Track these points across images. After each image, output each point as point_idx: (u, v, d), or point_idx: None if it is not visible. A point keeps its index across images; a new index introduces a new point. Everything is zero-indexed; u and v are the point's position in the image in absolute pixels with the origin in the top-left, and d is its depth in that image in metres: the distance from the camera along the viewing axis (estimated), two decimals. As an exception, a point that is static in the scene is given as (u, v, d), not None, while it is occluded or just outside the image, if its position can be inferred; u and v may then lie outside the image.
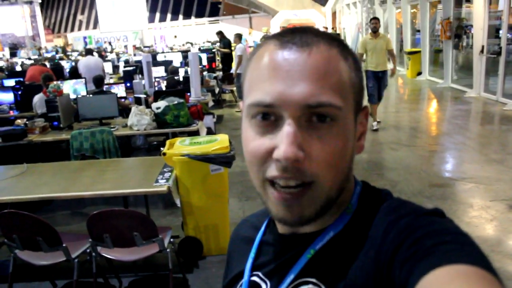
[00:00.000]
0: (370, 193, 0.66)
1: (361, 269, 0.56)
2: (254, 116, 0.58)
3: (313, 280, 0.61)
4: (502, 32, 8.89)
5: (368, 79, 7.09)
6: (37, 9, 29.03)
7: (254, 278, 0.69)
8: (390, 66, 7.38)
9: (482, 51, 9.20)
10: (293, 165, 0.55)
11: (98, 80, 6.08)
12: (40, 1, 29.88)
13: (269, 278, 0.67)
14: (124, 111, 5.86)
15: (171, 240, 2.99)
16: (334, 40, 0.60)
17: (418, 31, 13.54)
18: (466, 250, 0.48)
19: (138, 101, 6.01)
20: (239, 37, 9.60)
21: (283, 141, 0.55)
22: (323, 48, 0.57)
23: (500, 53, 8.75)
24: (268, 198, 0.59)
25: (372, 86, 7.10)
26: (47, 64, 11.23)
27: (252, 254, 0.72)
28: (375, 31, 7.06)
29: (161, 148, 3.50)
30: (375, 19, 7.20)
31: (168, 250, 2.86)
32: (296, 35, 0.58)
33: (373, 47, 7.02)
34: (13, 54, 22.52)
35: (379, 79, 7.15)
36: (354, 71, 0.61)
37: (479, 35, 9.25)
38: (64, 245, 2.74)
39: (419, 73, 12.95)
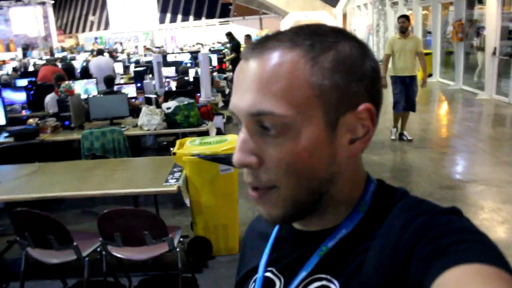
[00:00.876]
0: (385, 191, 0.65)
1: (376, 267, 0.56)
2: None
3: (327, 276, 0.61)
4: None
5: (394, 85, 6.32)
6: (50, 10, 29.26)
7: (268, 274, 0.69)
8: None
9: (494, 53, 9.12)
10: (250, 170, 0.58)
11: (109, 80, 6.13)
12: (53, 2, 30.16)
13: (282, 274, 0.67)
14: (135, 111, 5.90)
15: (181, 239, 3.00)
16: (308, 38, 0.57)
17: (429, 32, 13.45)
18: (483, 249, 0.48)
19: (148, 101, 6.05)
20: (249, 38, 9.58)
21: (235, 148, 0.58)
22: (276, 54, 0.56)
23: (512, 55, 8.67)
24: None
25: (398, 93, 6.30)
26: (59, 64, 11.34)
27: (267, 250, 0.72)
28: (403, 31, 6.22)
29: (171, 148, 3.52)
30: (403, 17, 6.34)
31: (177, 249, 2.88)
32: (257, 45, 0.59)
33: (401, 48, 6.18)
34: (24, 55, 22.77)
35: (407, 85, 6.30)
36: (329, 72, 0.57)
37: (491, 36, 9.18)
38: (75, 243, 2.76)
39: (430, 75, 12.85)
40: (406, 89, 6.30)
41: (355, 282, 0.57)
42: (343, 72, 0.57)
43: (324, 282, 0.61)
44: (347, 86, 0.57)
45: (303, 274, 0.63)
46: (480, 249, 0.47)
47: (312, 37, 0.57)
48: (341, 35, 0.60)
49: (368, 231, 0.60)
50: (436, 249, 0.49)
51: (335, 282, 0.60)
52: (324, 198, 0.61)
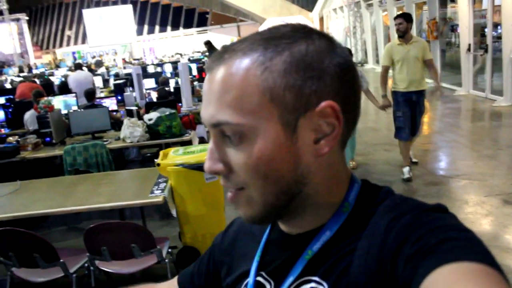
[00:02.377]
0: (369, 191, 0.65)
1: (363, 267, 0.56)
2: None
3: (316, 278, 0.61)
4: (487, 30, 9.00)
5: (397, 105, 4.94)
6: (25, 26, 28.93)
7: (259, 278, 0.69)
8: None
9: (469, 49, 9.30)
10: (221, 175, 0.62)
11: (90, 94, 6.07)
12: (27, 18, 29.81)
13: (272, 278, 0.67)
14: (117, 124, 5.86)
15: (169, 250, 2.98)
16: (263, 43, 0.58)
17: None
18: (470, 247, 0.48)
19: (130, 114, 6.00)
20: (210, 44, 9.42)
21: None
22: (228, 65, 0.57)
23: (486, 51, 8.85)
24: None
25: (401, 116, 4.90)
26: (37, 80, 11.20)
27: (258, 254, 0.71)
28: (402, 35, 4.82)
29: (155, 160, 3.50)
30: (400, 18, 4.84)
31: (166, 260, 2.86)
32: (215, 57, 0.60)
33: (403, 56, 4.81)
34: (0, 72, 22.43)
35: (413, 104, 4.90)
36: (282, 74, 0.56)
37: (465, 33, 9.37)
38: (61, 260, 2.72)
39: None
40: (412, 109, 4.92)
41: (344, 283, 0.57)
42: (297, 72, 0.56)
43: (313, 285, 0.61)
44: (303, 86, 0.57)
45: (290, 278, 0.63)
46: (467, 247, 0.48)
47: (266, 41, 0.58)
48: (300, 34, 0.59)
49: (353, 232, 0.60)
50: (423, 248, 0.49)
51: (324, 284, 0.60)
52: (297, 199, 0.61)
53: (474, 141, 6.30)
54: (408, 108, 4.89)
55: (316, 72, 0.57)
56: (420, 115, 5.02)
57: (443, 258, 0.46)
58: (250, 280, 0.70)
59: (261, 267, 0.70)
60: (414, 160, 5.36)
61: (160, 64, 13.88)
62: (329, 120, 0.58)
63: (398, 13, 6.39)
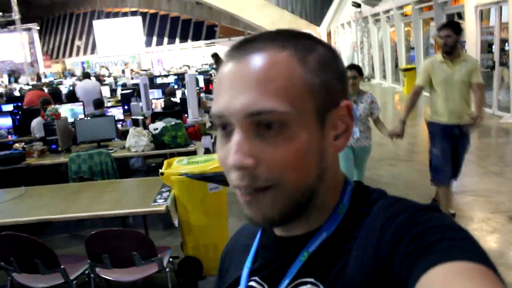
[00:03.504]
0: (362, 192, 0.66)
1: (360, 267, 0.56)
2: (217, 126, 0.61)
3: (312, 280, 0.60)
4: (495, 47, 9.01)
5: (434, 141, 4.00)
6: (36, 36, 29.33)
7: (252, 283, 0.68)
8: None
9: (476, 66, 9.28)
10: (246, 172, 0.57)
11: (99, 103, 6.12)
12: (39, 28, 30.20)
13: (266, 282, 0.67)
14: (122, 134, 5.89)
15: (170, 259, 2.97)
16: (291, 39, 0.60)
17: (413, 48, 13.69)
18: (466, 246, 0.48)
19: (135, 123, 6.03)
20: (217, 57, 9.50)
21: (231, 150, 0.57)
22: (269, 53, 0.57)
23: (493, 67, 8.84)
24: (239, 199, 0.61)
25: (440, 155, 3.93)
26: (45, 89, 11.30)
27: (249, 260, 0.71)
28: (449, 52, 3.77)
29: (159, 170, 3.50)
30: (448, 28, 3.74)
31: (167, 270, 2.84)
32: (242, 46, 0.60)
33: (447, 79, 3.79)
34: (10, 81, 22.69)
35: (456, 139, 3.94)
36: (316, 71, 0.59)
37: (472, 50, 9.37)
38: (62, 267, 2.72)
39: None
40: (454, 145, 3.94)
41: (340, 283, 0.57)
42: (326, 71, 0.60)
43: (308, 286, 0.60)
44: (331, 84, 0.60)
45: (286, 281, 0.63)
46: (463, 246, 0.48)
47: (293, 39, 0.60)
48: (313, 38, 0.62)
49: (349, 232, 0.61)
50: (419, 247, 0.49)
51: (320, 285, 0.59)
52: (314, 196, 0.61)
53: (480, 157, 6.26)
54: (449, 144, 3.88)
55: (337, 74, 0.62)
56: (463, 152, 4.02)
57: (439, 258, 0.46)
58: (242, 284, 0.69)
59: (254, 272, 0.69)
60: (452, 211, 4.21)
61: (167, 75, 13.97)
62: (345, 119, 0.62)
63: (443, 22, 5.75)
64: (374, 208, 0.60)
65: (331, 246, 0.61)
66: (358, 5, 17.04)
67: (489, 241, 3.73)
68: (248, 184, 0.57)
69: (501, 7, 8.64)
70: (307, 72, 0.58)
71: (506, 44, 8.82)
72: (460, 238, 0.49)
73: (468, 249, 0.47)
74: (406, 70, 13.29)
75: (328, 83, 0.60)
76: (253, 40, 0.60)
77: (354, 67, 4.02)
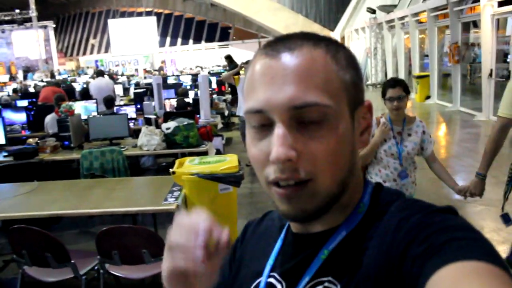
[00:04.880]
0: (382, 193, 0.67)
1: (373, 265, 0.56)
2: (251, 123, 0.61)
3: (330, 279, 0.61)
4: (511, 56, 8.92)
5: None
6: (51, 33, 29.63)
7: (270, 280, 0.69)
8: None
9: (490, 75, 9.22)
10: (288, 165, 0.57)
11: (109, 101, 6.16)
12: (54, 26, 30.53)
13: (285, 279, 0.67)
14: (134, 132, 5.92)
15: (179, 258, 2.98)
16: (322, 40, 0.62)
17: (427, 55, 13.62)
18: (478, 246, 0.48)
19: (148, 122, 6.07)
20: (231, 59, 9.65)
21: (274, 144, 0.57)
22: (306, 50, 0.59)
23: (508, 77, 8.76)
24: (274, 196, 0.61)
25: None
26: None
27: (273, 256, 0.71)
28: None
29: (170, 169, 3.52)
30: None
31: (176, 268, 2.85)
32: (279, 42, 0.61)
33: None
34: (25, 77, 22.95)
35: None
36: (346, 68, 0.62)
37: (487, 59, 9.29)
38: (72, 261, 2.74)
39: (428, 97, 12.96)
40: None
41: (355, 281, 0.58)
42: (354, 69, 0.63)
43: (327, 285, 0.61)
44: (358, 82, 0.64)
45: (306, 279, 0.63)
46: (475, 246, 0.48)
47: (322, 39, 0.62)
48: (336, 41, 0.65)
49: (366, 231, 0.61)
50: (431, 246, 0.50)
51: (337, 284, 0.60)
52: (345, 191, 0.63)
53: (492, 167, 6.18)
54: None
55: (359, 74, 0.65)
56: None
57: (450, 257, 0.46)
58: (262, 280, 0.70)
59: (273, 268, 0.70)
60: None
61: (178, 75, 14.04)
62: (367, 116, 0.66)
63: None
64: (391, 208, 0.61)
65: (349, 245, 0.62)
66: (373, 11, 16.99)
67: (500, 252, 3.69)
68: (289, 177, 0.58)
69: (518, 17, 8.58)
70: (340, 69, 0.61)
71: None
72: (472, 239, 0.49)
73: (480, 249, 0.48)
74: (419, 77, 13.22)
75: (355, 81, 0.63)
76: (286, 39, 0.62)
77: (398, 83, 2.74)
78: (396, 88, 2.71)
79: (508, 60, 9.23)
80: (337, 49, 0.63)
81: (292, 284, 0.65)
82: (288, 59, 0.59)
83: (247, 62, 5.81)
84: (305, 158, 0.58)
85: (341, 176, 0.61)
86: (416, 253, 0.50)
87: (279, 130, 0.58)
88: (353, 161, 0.63)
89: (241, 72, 6.50)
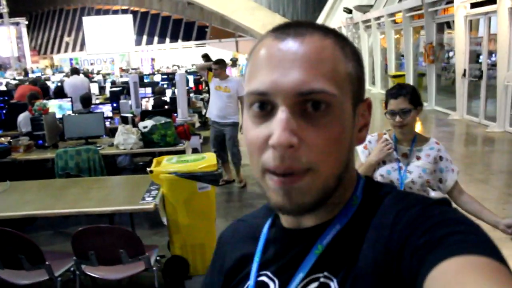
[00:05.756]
0: (374, 186, 0.66)
1: (371, 258, 0.56)
2: (252, 105, 0.59)
3: (325, 274, 0.60)
4: (483, 57, 9.13)
5: None
6: (24, 30, 28.99)
7: (263, 278, 0.67)
8: None
9: (464, 75, 9.42)
10: (288, 152, 0.55)
11: (86, 99, 6.05)
12: (27, 23, 29.86)
13: (277, 277, 0.65)
14: (110, 131, 5.83)
15: (157, 258, 2.94)
16: (330, 31, 0.61)
17: (402, 55, 13.82)
18: (477, 240, 0.48)
19: (124, 121, 5.98)
20: (234, 62, 9.52)
21: (276, 128, 0.55)
22: (316, 38, 0.58)
23: (481, 77, 8.96)
24: (268, 186, 0.59)
25: None
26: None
27: (257, 255, 0.69)
28: None
29: (147, 168, 3.47)
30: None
31: (154, 268, 2.81)
32: (290, 27, 0.60)
33: None
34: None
35: None
36: (352, 62, 0.61)
37: (461, 59, 9.49)
38: (47, 263, 2.67)
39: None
40: None
41: (351, 275, 0.57)
42: (359, 65, 0.63)
43: (322, 280, 0.60)
44: (362, 77, 0.64)
45: (300, 275, 0.62)
46: (475, 240, 0.48)
47: (331, 30, 0.62)
48: (343, 35, 0.64)
49: (360, 225, 0.60)
50: (430, 240, 0.49)
51: (333, 279, 0.59)
52: (339, 185, 0.61)
53: (466, 165, 6.33)
54: None
55: (363, 71, 0.64)
56: None
57: (450, 251, 0.46)
58: (250, 282, 0.68)
59: (263, 266, 0.68)
60: None
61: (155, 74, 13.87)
62: (366, 114, 0.66)
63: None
64: (385, 200, 0.61)
65: (344, 238, 0.61)
66: (349, 11, 17.16)
67: None
68: (289, 166, 0.56)
69: (490, 18, 8.77)
70: (347, 61, 0.60)
71: (494, 55, 8.95)
72: (472, 232, 0.49)
73: (480, 243, 0.48)
74: (395, 76, 13.41)
75: (359, 76, 0.63)
76: (297, 25, 0.60)
77: (401, 92, 2.14)
78: (399, 99, 2.12)
79: (480, 60, 9.44)
80: (345, 42, 0.62)
81: (286, 281, 0.63)
82: (298, 44, 0.57)
83: (217, 62, 5.61)
84: (306, 146, 0.56)
85: (338, 168, 0.60)
86: (416, 245, 0.50)
87: (282, 114, 0.56)
88: (350, 156, 0.62)
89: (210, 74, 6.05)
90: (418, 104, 2.16)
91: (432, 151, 2.21)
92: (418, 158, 2.19)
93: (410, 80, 12.80)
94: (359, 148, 2.30)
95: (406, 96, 2.11)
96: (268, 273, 0.67)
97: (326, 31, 0.61)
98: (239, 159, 5.71)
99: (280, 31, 0.60)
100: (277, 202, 0.59)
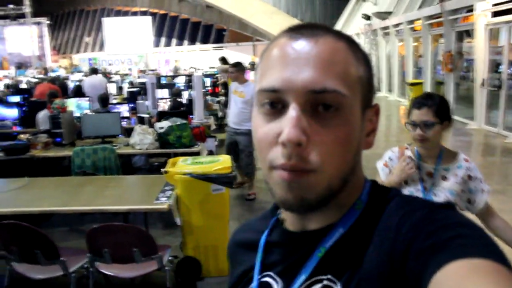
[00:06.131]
0: (380, 190, 0.66)
1: (375, 263, 0.55)
2: (263, 103, 0.60)
3: (329, 276, 0.60)
4: (503, 66, 9.01)
5: None
6: (45, 30, 29.50)
7: (266, 279, 0.68)
8: None
9: (483, 84, 9.30)
10: (296, 150, 0.55)
11: (104, 99, 6.13)
12: (49, 23, 30.37)
13: (281, 277, 0.66)
14: (126, 131, 5.89)
15: (170, 258, 2.96)
16: (343, 36, 0.62)
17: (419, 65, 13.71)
18: (482, 244, 0.48)
19: (141, 121, 6.04)
20: (253, 66, 9.48)
21: (287, 125, 0.56)
22: (330, 40, 0.60)
23: (500, 87, 8.84)
24: (273, 180, 0.59)
25: None
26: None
27: (259, 257, 0.70)
28: None
29: (162, 169, 3.49)
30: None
31: (167, 268, 2.83)
32: (304, 29, 0.61)
33: None
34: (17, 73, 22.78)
35: None
36: (363, 66, 0.62)
37: (480, 68, 9.37)
38: (62, 258, 2.71)
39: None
40: None
41: (356, 279, 0.57)
42: (369, 70, 0.64)
43: (326, 283, 0.60)
44: (372, 82, 0.64)
45: (302, 276, 0.62)
46: (479, 243, 0.48)
47: (344, 35, 0.63)
48: (355, 41, 0.65)
49: (365, 229, 0.60)
50: (434, 243, 0.49)
51: (337, 282, 0.59)
52: (344, 187, 0.62)
53: (484, 175, 6.16)
54: None
55: (373, 76, 0.65)
56: None
57: (455, 254, 0.46)
58: (254, 284, 0.69)
59: (267, 267, 0.69)
60: None
61: (174, 76, 13.98)
62: (374, 120, 0.66)
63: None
64: (391, 204, 0.61)
65: (348, 242, 0.61)
66: (368, 18, 17.08)
67: None
68: (295, 164, 0.56)
69: (511, 27, 8.65)
70: (359, 65, 0.61)
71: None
72: (476, 236, 0.49)
73: (484, 246, 0.48)
74: (412, 84, 13.29)
75: (369, 81, 0.64)
76: (311, 27, 0.62)
77: (426, 102, 1.91)
78: (422, 109, 1.88)
79: (500, 70, 9.31)
80: (356, 47, 0.63)
81: (289, 282, 0.64)
82: (313, 44, 0.59)
83: (234, 65, 5.39)
84: (313, 146, 0.56)
85: (344, 170, 0.60)
86: (420, 248, 0.50)
87: (293, 111, 0.56)
88: (357, 159, 0.63)
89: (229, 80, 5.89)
90: (445, 118, 1.91)
91: (460, 170, 1.98)
92: (445, 178, 1.98)
93: (428, 88, 12.67)
94: (379, 166, 2.16)
95: (432, 107, 1.87)
96: (272, 273, 0.67)
97: (339, 34, 0.62)
98: (252, 171, 5.36)
99: (295, 31, 0.61)
100: (281, 197, 0.59)
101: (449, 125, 1.94)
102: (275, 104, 0.59)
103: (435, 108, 1.87)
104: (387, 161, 2.11)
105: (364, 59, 0.63)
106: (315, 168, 0.57)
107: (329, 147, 0.57)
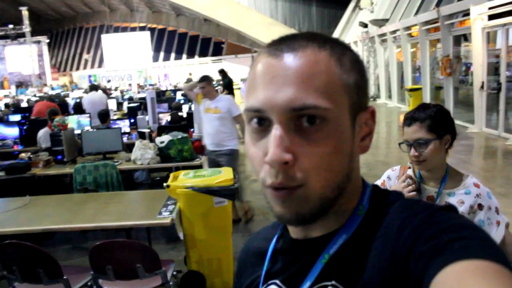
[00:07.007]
0: (381, 195, 0.66)
1: (377, 266, 0.56)
2: (250, 120, 0.61)
3: (333, 283, 0.60)
4: (502, 69, 9.02)
5: None
6: (45, 49, 29.71)
7: (272, 287, 0.69)
8: None
9: (482, 87, 9.30)
10: (283, 168, 0.56)
11: (104, 115, 6.14)
12: (48, 41, 30.58)
13: (286, 285, 0.67)
14: (127, 147, 5.89)
15: (174, 273, 2.94)
16: (327, 41, 0.61)
17: (419, 68, 13.73)
18: (482, 245, 0.48)
19: (142, 136, 6.05)
20: (224, 73, 9.38)
21: (270, 145, 0.57)
22: (309, 52, 0.59)
23: (499, 89, 8.84)
24: (268, 197, 0.61)
25: None
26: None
27: (265, 265, 0.71)
28: None
29: (164, 183, 3.49)
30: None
31: (171, 283, 2.81)
32: (283, 42, 0.61)
33: None
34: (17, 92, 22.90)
35: None
36: (350, 72, 0.61)
37: (478, 71, 9.39)
38: (65, 277, 2.69)
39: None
40: None
41: (359, 284, 0.58)
42: (359, 73, 0.63)
43: None
44: (363, 86, 0.63)
45: (307, 283, 0.63)
46: (480, 245, 0.48)
47: (328, 40, 0.62)
48: (343, 43, 0.64)
49: (368, 234, 0.61)
50: (435, 246, 0.50)
51: (342, 287, 0.60)
52: (341, 195, 0.62)
53: (486, 178, 6.22)
54: None
55: (364, 77, 0.64)
56: None
57: (455, 256, 0.46)
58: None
59: (273, 275, 0.70)
60: None
61: (174, 91, 14.02)
62: (369, 122, 0.65)
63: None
64: (392, 208, 0.61)
65: (351, 248, 0.61)
66: (365, 25, 17.16)
67: None
68: (281, 182, 0.57)
69: (508, 30, 8.68)
70: (343, 72, 0.60)
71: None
72: (477, 238, 0.49)
73: (484, 248, 0.48)
74: (411, 90, 13.32)
75: (359, 85, 0.62)
76: (291, 39, 0.61)
77: (417, 116, 1.66)
78: (413, 126, 1.64)
79: (498, 72, 9.32)
80: (343, 51, 0.62)
81: None
82: (291, 59, 0.58)
83: (202, 79, 5.09)
84: (301, 162, 0.57)
85: (337, 181, 0.60)
86: (421, 251, 0.50)
87: (276, 131, 0.57)
88: (351, 165, 0.63)
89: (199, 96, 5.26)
90: (444, 131, 1.63)
91: (468, 197, 1.66)
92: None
93: (427, 93, 12.69)
94: (378, 184, 1.95)
95: (424, 121, 1.61)
96: (278, 281, 0.68)
97: (322, 42, 0.61)
98: (241, 191, 4.75)
99: (274, 46, 0.61)
100: (278, 213, 0.61)
101: (449, 139, 1.66)
102: (262, 121, 0.59)
103: (429, 122, 1.61)
104: (385, 180, 1.92)
105: (352, 62, 0.62)
106: (302, 183, 0.57)
107: (316, 160, 0.57)
